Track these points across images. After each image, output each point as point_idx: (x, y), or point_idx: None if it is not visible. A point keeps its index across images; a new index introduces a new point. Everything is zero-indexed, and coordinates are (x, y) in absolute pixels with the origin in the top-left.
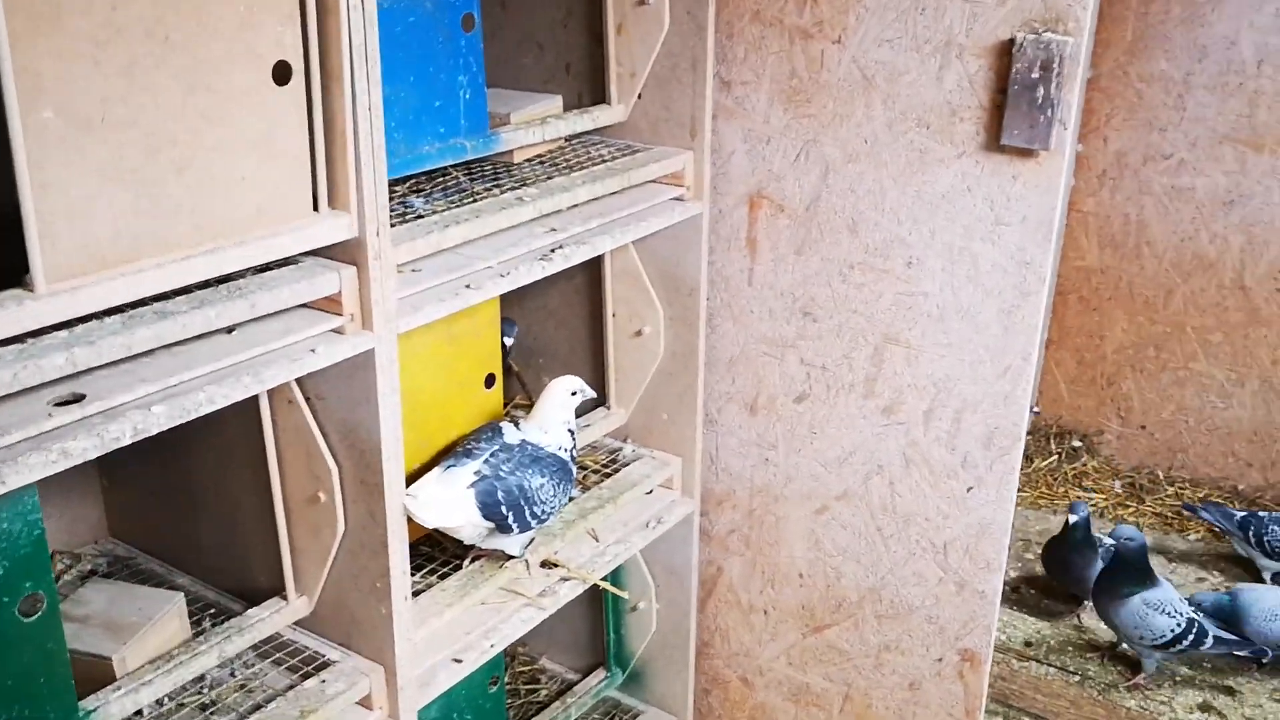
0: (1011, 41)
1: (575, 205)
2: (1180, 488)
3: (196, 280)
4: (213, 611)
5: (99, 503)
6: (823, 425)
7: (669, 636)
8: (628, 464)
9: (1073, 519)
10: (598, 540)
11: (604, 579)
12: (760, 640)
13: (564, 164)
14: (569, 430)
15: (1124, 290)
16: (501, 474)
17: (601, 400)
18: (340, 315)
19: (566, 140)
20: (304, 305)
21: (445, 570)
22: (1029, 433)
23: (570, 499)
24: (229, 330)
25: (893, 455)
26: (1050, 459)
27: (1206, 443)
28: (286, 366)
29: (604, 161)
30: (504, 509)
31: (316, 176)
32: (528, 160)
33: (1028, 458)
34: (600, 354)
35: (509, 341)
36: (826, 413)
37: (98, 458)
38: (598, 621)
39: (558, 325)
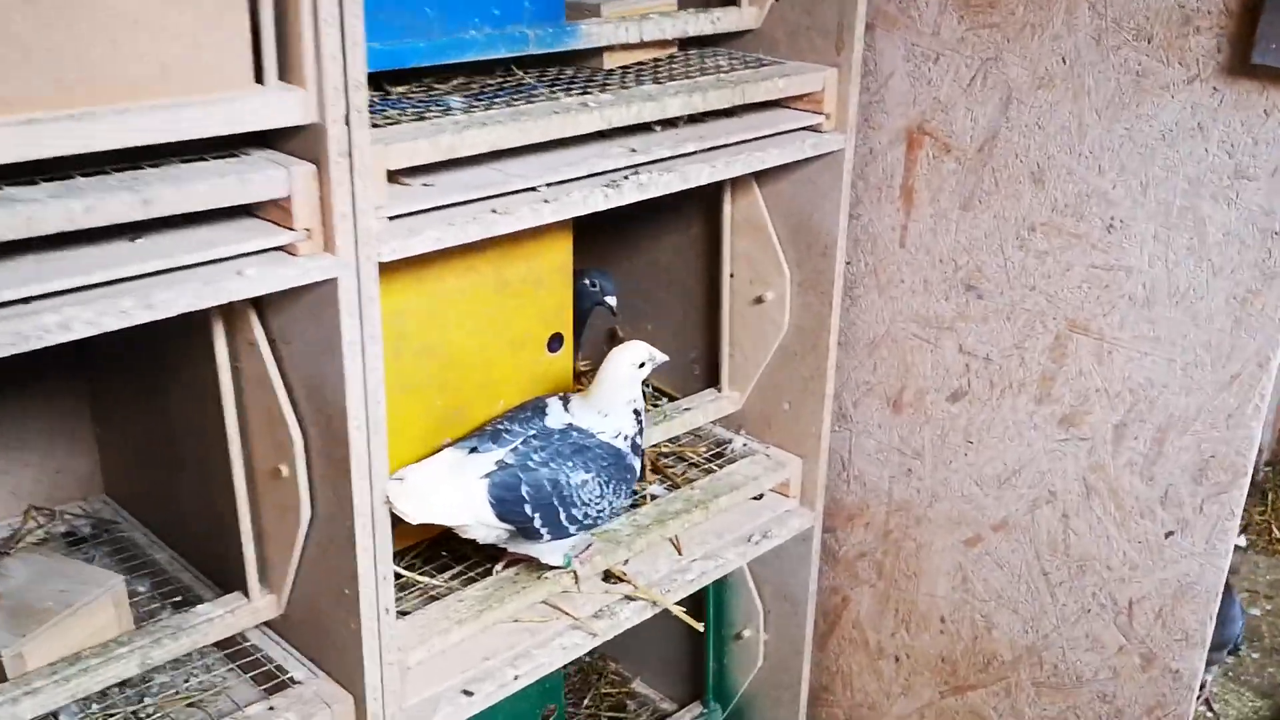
0: None
1: (665, 121)
2: None
3: (47, 155)
4: (178, 600)
5: (93, 454)
6: (981, 433)
7: (778, 674)
8: (735, 460)
9: None
10: (680, 553)
11: (682, 602)
12: (889, 692)
13: (666, 76)
14: (635, 411)
15: None
16: (531, 465)
17: (714, 380)
18: (291, 229)
19: (679, 49)
20: (253, 215)
21: (475, 575)
22: (1269, 464)
23: (633, 501)
24: (131, 238)
25: (1070, 480)
26: None
27: None
28: (194, 291)
29: (717, 72)
30: (528, 509)
31: (261, 35)
32: (623, 68)
33: (1264, 493)
34: (716, 323)
35: (611, 301)
36: (988, 417)
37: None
38: (700, 645)
39: (670, 285)
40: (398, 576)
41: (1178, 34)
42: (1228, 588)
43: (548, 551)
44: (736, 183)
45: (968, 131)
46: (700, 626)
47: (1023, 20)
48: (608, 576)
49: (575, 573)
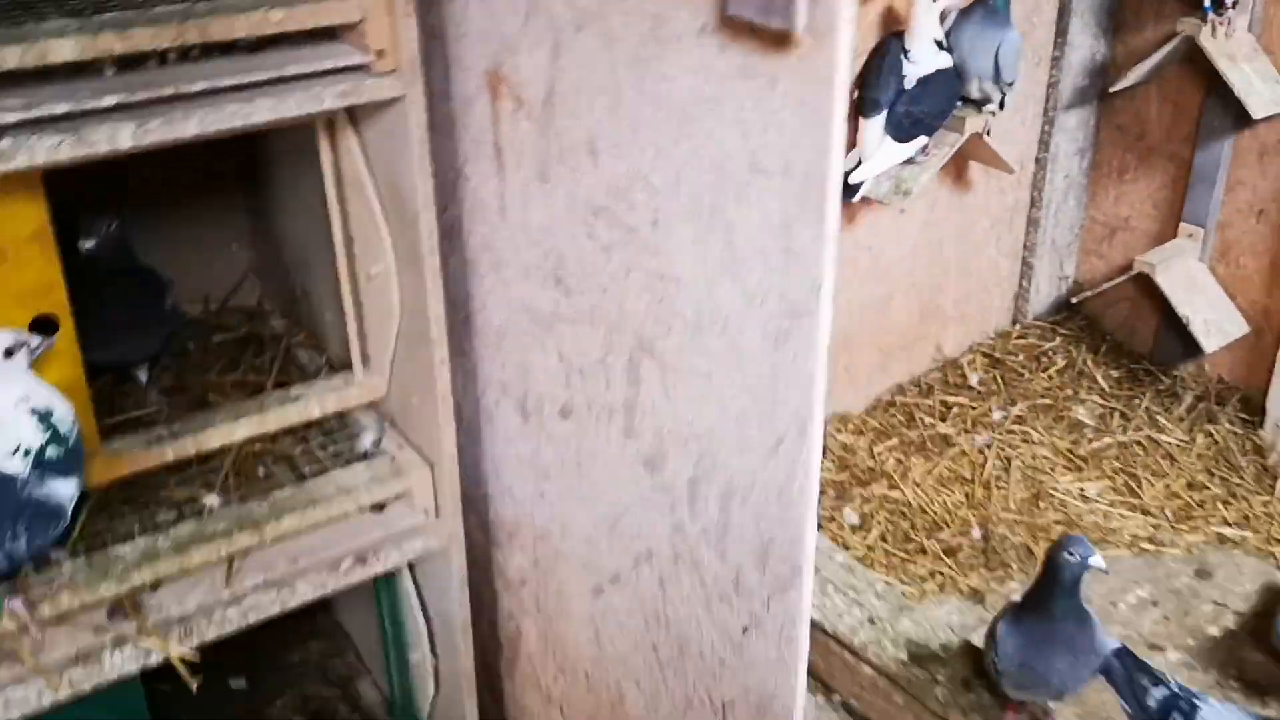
0: None
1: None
2: None
3: None
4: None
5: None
6: (589, 462)
7: (451, 705)
8: (351, 463)
9: None
10: (229, 582)
11: (357, 613)
12: None
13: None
14: (34, 412)
15: None
16: None
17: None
18: None
19: None
20: None
21: None
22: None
23: (177, 514)
24: None
25: (661, 538)
26: None
27: None
28: None
29: None
30: None
31: None
32: None
33: (1271, 481)
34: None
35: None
36: (591, 445)
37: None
38: None
39: (306, 254)
40: None
41: None
42: None
43: None
44: (334, 129)
45: (533, 81)
46: (195, 684)
47: None
48: (115, 609)
49: (23, 619)
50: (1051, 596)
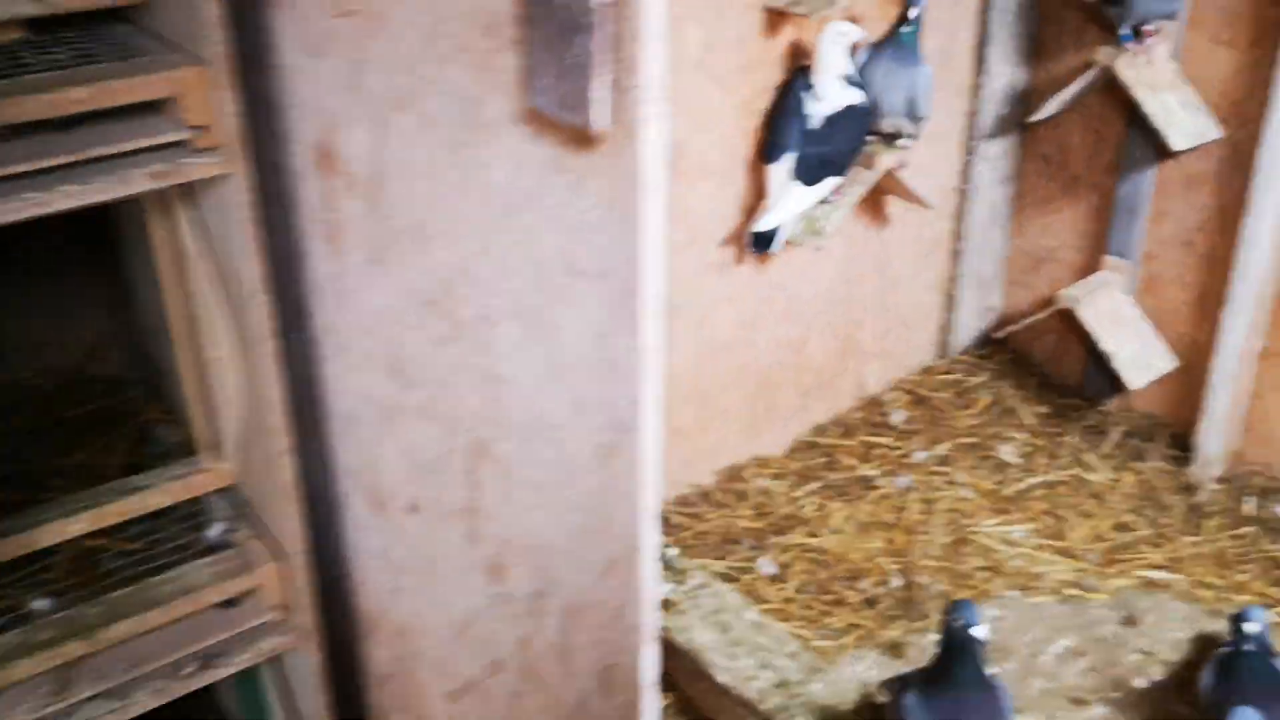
0: None
1: None
2: None
3: None
4: None
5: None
6: (436, 563)
7: None
8: (200, 555)
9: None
10: (58, 695)
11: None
12: None
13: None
14: None
15: None
16: None
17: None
18: None
19: (34, 31)
20: None
21: None
22: (1219, 479)
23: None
24: None
25: (510, 649)
26: (1240, 528)
27: None
28: None
29: (51, 68)
30: None
31: None
32: None
33: (1200, 520)
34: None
35: None
36: (438, 546)
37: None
38: None
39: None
40: None
41: (489, 48)
42: None
43: None
44: (166, 204)
45: (360, 160)
46: None
47: (376, 7)
48: None
49: None
50: (951, 664)
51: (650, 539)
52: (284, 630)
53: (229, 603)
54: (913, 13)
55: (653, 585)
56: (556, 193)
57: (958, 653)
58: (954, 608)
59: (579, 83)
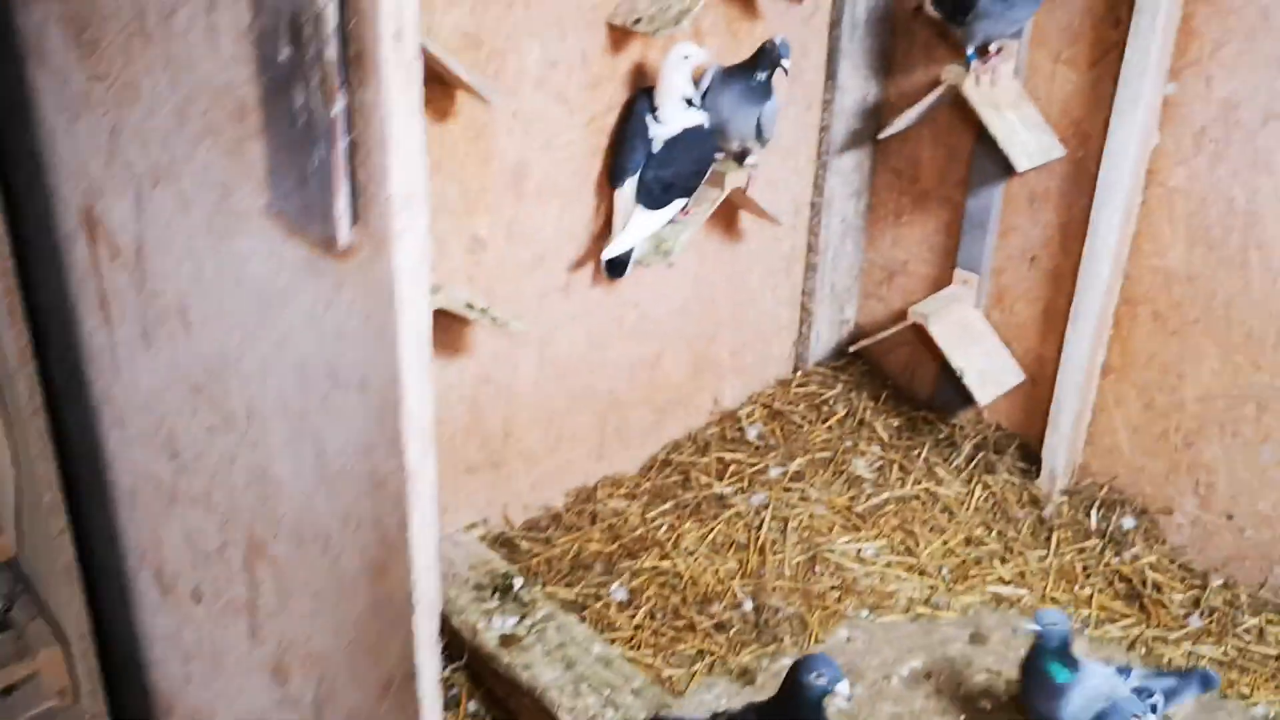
0: None
1: None
2: (1271, 620)
3: None
4: None
5: None
6: (223, 656)
7: None
8: None
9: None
10: None
11: None
12: None
13: None
14: None
15: (1218, 312)
16: None
17: None
18: None
19: None
20: None
21: None
22: (1065, 492)
23: None
24: None
25: None
26: (1085, 541)
27: None
28: None
29: None
30: None
31: None
32: None
33: (1047, 534)
34: None
35: None
36: (222, 638)
37: None
38: None
39: None
40: None
41: (241, 128)
42: None
43: None
44: None
45: (123, 231)
46: None
47: (122, 76)
48: None
49: None
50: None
51: (429, 666)
52: (69, 717)
53: (6, 690)
54: (778, 65)
55: (433, 711)
56: (314, 295)
57: (804, 708)
58: (812, 663)
59: (320, 193)
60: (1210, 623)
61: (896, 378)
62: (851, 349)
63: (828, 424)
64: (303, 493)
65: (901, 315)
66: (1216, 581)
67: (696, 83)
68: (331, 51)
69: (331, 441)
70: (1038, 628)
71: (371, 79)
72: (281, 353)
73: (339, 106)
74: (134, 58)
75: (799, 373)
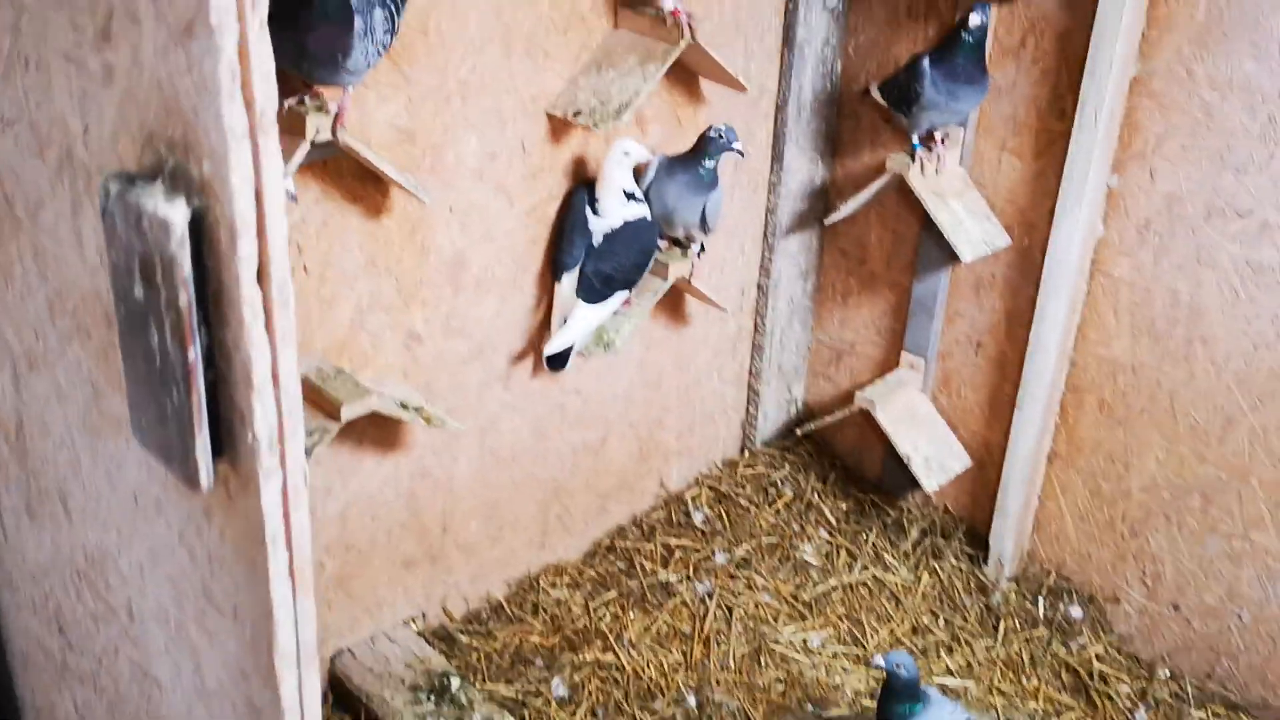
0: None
1: None
2: (1217, 713)
3: None
4: None
5: None
6: None
7: None
8: None
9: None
10: None
11: None
12: None
13: None
14: None
15: (1162, 403)
16: None
17: None
18: None
19: None
20: None
21: None
22: (1013, 579)
23: None
24: None
25: None
26: (1033, 630)
27: (1267, 652)
28: None
29: None
30: None
31: None
32: None
33: (995, 622)
34: None
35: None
36: None
37: None
38: None
39: None
40: None
41: (110, 339)
42: None
43: None
44: None
45: (6, 404)
46: None
47: (5, 258)
48: None
49: None
50: None
51: None
52: None
53: None
54: (726, 151)
55: None
56: (186, 516)
57: None
58: None
59: (179, 437)
60: (1156, 715)
61: (845, 458)
62: (799, 431)
63: (775, 507)
64: (183, 701)
65: (849, 396)
66: (1163, 673)
67: (641, 174)
68: (184, 298)
69: (208, 659)
70: (885, 666)
71: (231, 319)
72: (156, 563)
73: (195, 351)
74: (5, 240)
75: (746, 453)
